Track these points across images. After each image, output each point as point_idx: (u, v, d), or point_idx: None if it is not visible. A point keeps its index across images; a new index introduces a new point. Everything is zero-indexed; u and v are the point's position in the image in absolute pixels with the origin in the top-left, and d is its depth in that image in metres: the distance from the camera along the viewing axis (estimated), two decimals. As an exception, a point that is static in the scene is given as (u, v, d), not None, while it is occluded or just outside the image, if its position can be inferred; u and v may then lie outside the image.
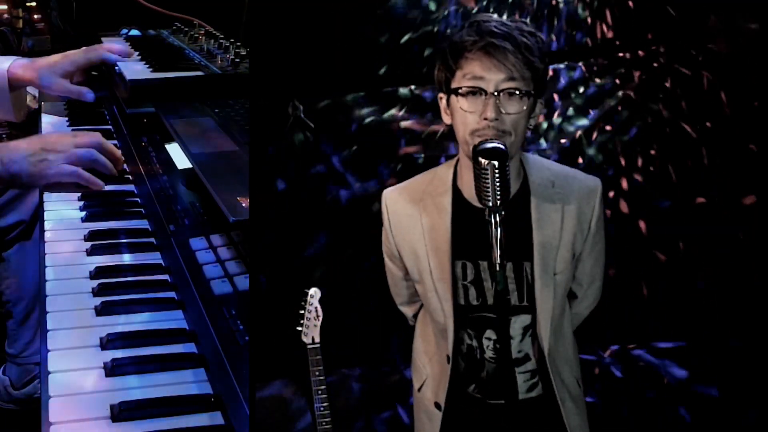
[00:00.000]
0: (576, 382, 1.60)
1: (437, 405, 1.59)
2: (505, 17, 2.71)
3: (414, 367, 1.70)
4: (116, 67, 2.49)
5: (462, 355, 1.57)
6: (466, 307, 1.52)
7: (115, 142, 2.42)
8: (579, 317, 1.66)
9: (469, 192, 1.48)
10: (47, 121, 2.60)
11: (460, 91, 1.41)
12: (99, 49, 2.53)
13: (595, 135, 2.80)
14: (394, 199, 1.59)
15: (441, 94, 1.48)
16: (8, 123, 3.11)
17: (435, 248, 1.51)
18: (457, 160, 1.53)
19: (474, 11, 2.74)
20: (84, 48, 2.54)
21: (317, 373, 1.73)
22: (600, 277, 1.63)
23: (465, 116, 1.41)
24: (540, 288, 1.49)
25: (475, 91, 1.39)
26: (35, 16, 3.88)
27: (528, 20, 2.72)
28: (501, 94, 1.38)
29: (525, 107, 1.40)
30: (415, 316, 1.71)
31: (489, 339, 1.53)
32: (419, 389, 1.66)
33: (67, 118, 2.61)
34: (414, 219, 1.54)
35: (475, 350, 1.55)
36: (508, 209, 1.41)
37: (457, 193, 1.51)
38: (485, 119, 1.38)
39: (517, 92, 1.39)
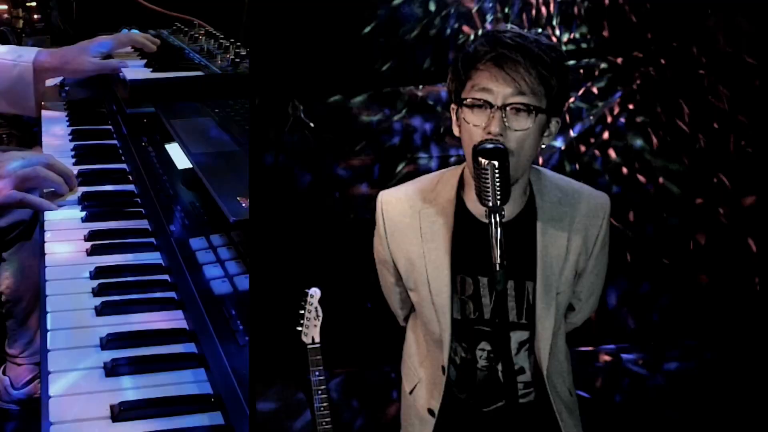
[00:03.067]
0: (568, 392, 1.59)
1: (430, 411, 1.57)
2: (506, 10, 2.73)
3: (405, 369, 1.68)
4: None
5: (455, 365, 1.55)
6: (462, 321, 1.49)
7: (115, 142, 2.42)
8: (573, 326, 1.64)
9: (473, 206, 1.44)
10: (47, 121, 2.60)
11: (465, 102, 1.35)
12: (130, 34, 2.56)
13: (593, 136, 2.80)
14: (391, 204, 1.53)
15: (453, 105, 1.42)
16: (8, 123, 3.10)
17: (434, 260, 1.47)
18: (462, 171, 1.48)
19: (474, 10, 2.74)
20: (113, 35, 2.58)
21: (317, 373, 1.73)
22: (599, 290, 1.60)
23: (470, 130, 1.35)
24: (541, 308, 1.46)
25: (481, 104, 1.33)
26: (35, 16, 3.88)
27: (530, 18, 2.74)
28: (507, 108, 1.32)
29: (533, 125, 1.33)
30: (406, 319, 1.69)
31: (483, 350, 1.51)
32: (410, 392, 1.63)
33: (67, 118, 2.61)
34: (412, 227, 1.49)
35: (468, 362, 1.53)
36: (514, 228, 1.38)
37: (461, 205, 1.46)
38: (489, 133, 1.32)
39: (525, 108, 1.32)
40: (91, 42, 2.50)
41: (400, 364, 1.71)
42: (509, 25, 1.92)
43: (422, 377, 1.61)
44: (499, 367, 1.51)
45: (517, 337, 1.51)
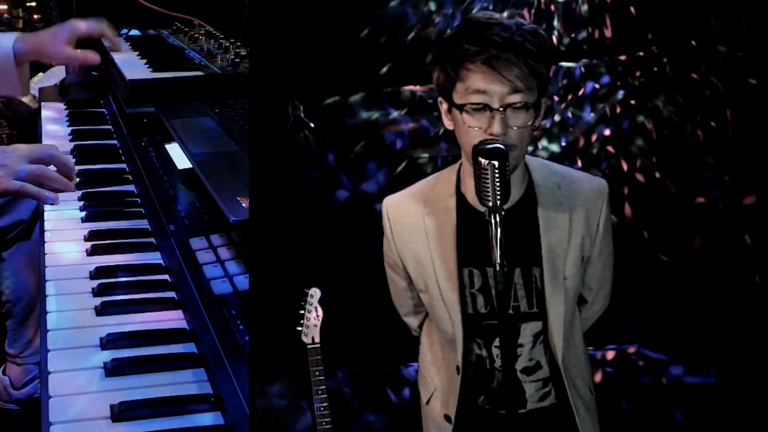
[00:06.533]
0: (588, 390, 1.58)
1: (447, 417, 1.56)
2: (505, 14, 2.73)
3: (421, 379, 1.67)
4: (117, 67, 2.49)
5: (471, 365, 1.53)
6: (474, 315, 1.49)
7: (115, 142, 2.42)
8: (588, 322, 1.63)
9: (473, 197, 1.44)
10: (47, 121, 2.60)
11: (465, 109, 1.35)
12: (99, 22, 2.53)
13: (594, 135, 2.80)
14: (396, 207, 1.55)
15: (441, 99, 1.42)
16: (8, 123, 3.10)
17: (441, 255, 1.48)
18: (460, 166, 1.49)
19: (474, 11, 2.74)
20: (84, 19, 2.54)
21: (317, 373, 1.73)
22: (609, 280, 1.60)
23: (469, 131, 1.36)
24: (550, 293, 1.46)
25: (480, 108, 1.34)
26: (35, 16, 3.88)
27: (530, 18, 2.74)
28: (507, 108, 1.33)
29: (531, 119, 1.36)
30: (420, 326, 1.68)
31: (498, 347, 1.50)
32: (427, 402, 1.62)
33: (67, 118, 2.61)
34: (417, 226, 1.50)
35: (484, 360, 1.52)
36: (515, 214, 1.38)
37: (461, 198, 1.48)
38: (491, 134, 1.33)
39: (523, 106, 1.34)
40: (64, 27, 2.42)
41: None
42: (482, 12, 1.89)
43: (438, 384, 1.59)
44: (517, 366, 1.51)
45: (530, 329, 1.50)
